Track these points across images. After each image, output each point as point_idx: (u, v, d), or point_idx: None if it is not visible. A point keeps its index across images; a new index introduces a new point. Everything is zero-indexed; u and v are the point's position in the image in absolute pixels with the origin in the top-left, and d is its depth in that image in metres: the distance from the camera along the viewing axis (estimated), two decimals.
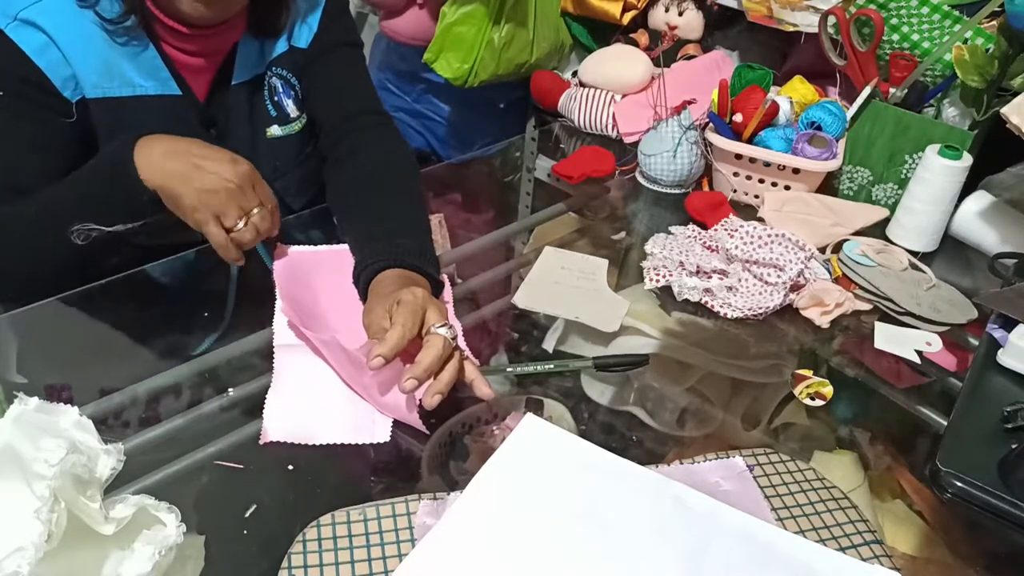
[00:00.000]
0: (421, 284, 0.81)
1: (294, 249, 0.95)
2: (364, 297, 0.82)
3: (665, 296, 0.96)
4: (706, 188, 1.20)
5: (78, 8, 0.84)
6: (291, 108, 1.03)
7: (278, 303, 0.85)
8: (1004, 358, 0.83)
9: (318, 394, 0.77)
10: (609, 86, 1.35)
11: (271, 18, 0.97)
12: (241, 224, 0.80)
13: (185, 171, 0.79)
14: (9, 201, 0.83)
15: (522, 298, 0.92)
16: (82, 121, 0.87)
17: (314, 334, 0.76)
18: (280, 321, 0.83)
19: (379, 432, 0.73)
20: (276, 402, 0.74)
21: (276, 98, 1.01)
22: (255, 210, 0.81)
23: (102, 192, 0.81)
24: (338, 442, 0.72)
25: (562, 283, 0.95)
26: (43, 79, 0.83)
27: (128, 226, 0.81)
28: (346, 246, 0.96)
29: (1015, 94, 1.00)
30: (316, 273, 0.91)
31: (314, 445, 0.71)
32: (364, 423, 0.74)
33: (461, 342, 0.80)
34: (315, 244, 0.97)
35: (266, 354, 0.80)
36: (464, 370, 0.74)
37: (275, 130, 1.02)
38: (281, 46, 1.01)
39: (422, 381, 0.70)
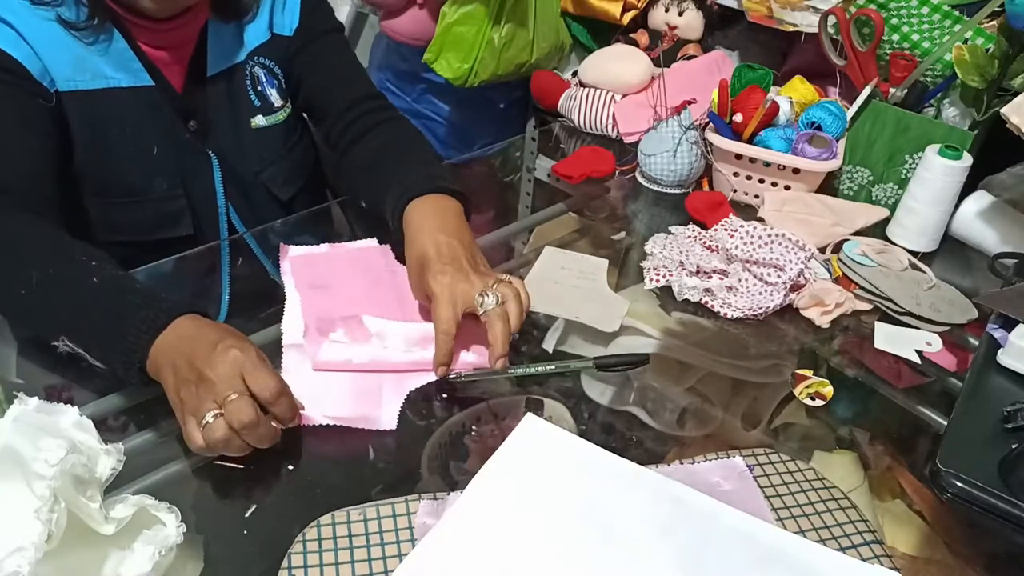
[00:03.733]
0: (448, 205, 0.85)
1: (305, 249, 0.96)
2: (402, 236, 0.85)
3: (665, 296, 0.96)
4: (706, 188, 1.20)
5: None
6: (275, 98, 1.03)
7: (288, 303, 0.85)
8: (1004, 358, 0.83)
9: (326, 388, 0.76)
10: (609, 86, 1.35)
11: (232, 1, 0.96)
12: (210, 418, 0.63)
13: (171, 360, 0.67)
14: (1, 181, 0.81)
15: None
16: (58, 110, 0.87)
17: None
18: (289, 321, 0.83)
19: (385, 419, 0.74)
20: None
21: (259, 88, 1.01)
22: (231, 397, 0.64)
23: (101, 346, 0.71)
24: (343, 417, 0.73)
25: (562, 283, 0.95)
26: (22, 68, 0.83)
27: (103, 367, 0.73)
28: (358, 243, 0.98)
29: (1015, 94, 1.00)
30: (331, 272, 0.92)
31: (315, 445, 0.71)
32: (372, 414, 0.74)
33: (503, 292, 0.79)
34: (313, 244, 0.97)
35: (266, 354, 0.80)
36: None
37: (259, 120, 1.02)
38: (262, 35, 1.00)
39: (507, 354, 0.77)
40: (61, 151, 0.88)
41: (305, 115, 1.12)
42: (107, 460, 0.61)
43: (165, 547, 0.58)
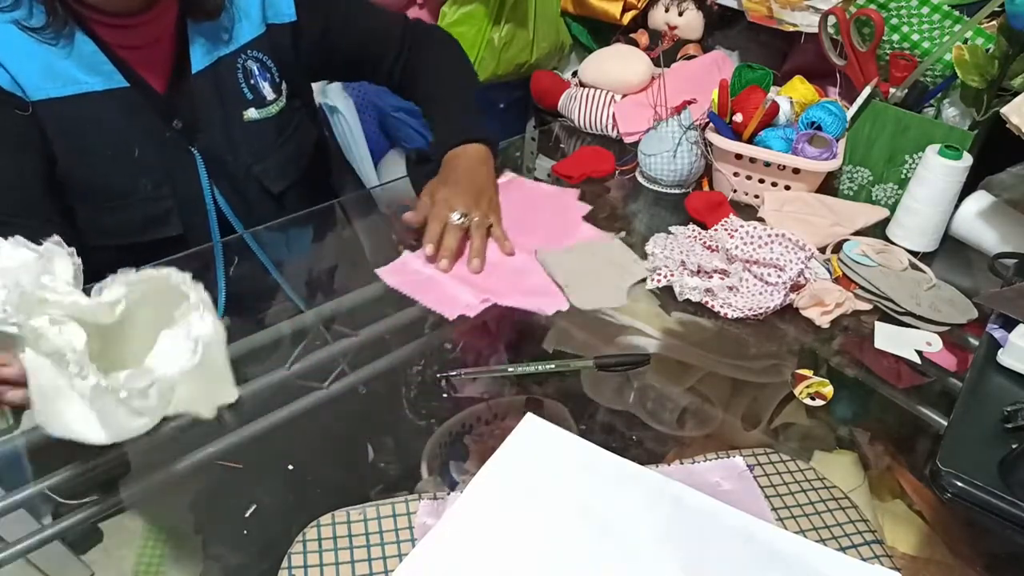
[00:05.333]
0: (475, 153, 1.07)
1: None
2: None
3: (665, 296, 0.96)
4: (706, 188, 1.20)
5: None
6: (267, 91, 1.03)
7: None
8: (1004, 358, 0.83)
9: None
10: (609, 86, 1.35)
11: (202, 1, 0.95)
12: None
13: None
14: None
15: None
16: (34, 120, 0.86)
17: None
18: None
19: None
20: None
21: (252, 81, 1.01)
22: None
23: None
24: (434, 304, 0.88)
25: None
26: None
27: None
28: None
29: (1015, 94, 1.00)
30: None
31: (315, 445, 0.71)
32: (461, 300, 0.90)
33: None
34: (308, 245, 0.98)
35: (263, 354, 0.80)
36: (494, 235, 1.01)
37: (252, 113, 1.02)
38: (256, 28, 1.00)
39: (443, 254, 0.95)
40: (46, 159, 0.87)
41: (348, 79, 1.20)
42: (61, 262, 0.61)
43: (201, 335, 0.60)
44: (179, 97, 0.96)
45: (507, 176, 1.19)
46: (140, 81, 0.92)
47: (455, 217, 0.97)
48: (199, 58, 0.96)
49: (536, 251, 1.00)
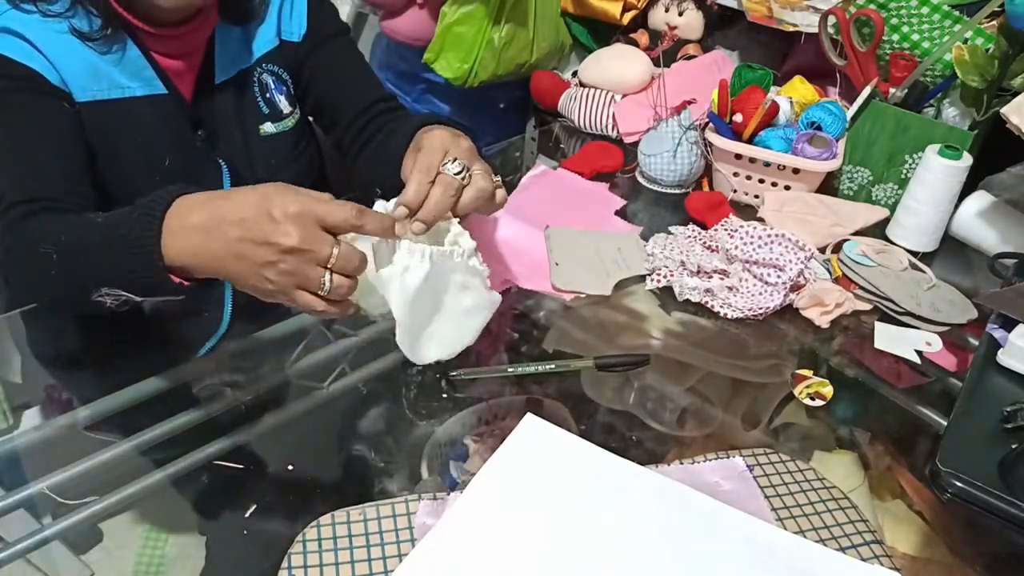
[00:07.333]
0: (460, 133, 0.80)
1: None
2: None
3: (665, 296, 0.96)
4: (706, 188, 1.20)
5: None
6: (284, 104, 1.03)
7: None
8: (1004, 358, 0.83)
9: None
10: (609, 86, 1.35)
11: (242, 2, 0.95)
12: (327, 281, 0.62)
13: (229, 249, 0.63)
14: (36, 191, 0.79)
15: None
16: (78, 119, 0.86)
17: None
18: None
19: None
20: None
21: (268, 95, 1.01)
22: (333, 252, 0.62)
23: (122, 272, 0.67)
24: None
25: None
26: (40, 77, 0.83)
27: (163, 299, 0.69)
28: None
29: (1015, 94, 1.00)
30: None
31: (315, 445, 0.71)
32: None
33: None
34: None
35: (263, 354, 0.80)
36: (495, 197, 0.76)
37: (268, 127, 1.02)
38: (271, 42, 1.00)
39: (429, 224, 0.70)
40: (90, 158, 0.88)
41: (311, 119, 1.12)
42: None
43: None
44: (203, 107, 0.97)
45: (540, 167, 1.19)
46: (174, 89, 0.93)
47: (451, 166, 0.72)
48: (223, 69, 0.96)
49: (547, 227, 1.02)
